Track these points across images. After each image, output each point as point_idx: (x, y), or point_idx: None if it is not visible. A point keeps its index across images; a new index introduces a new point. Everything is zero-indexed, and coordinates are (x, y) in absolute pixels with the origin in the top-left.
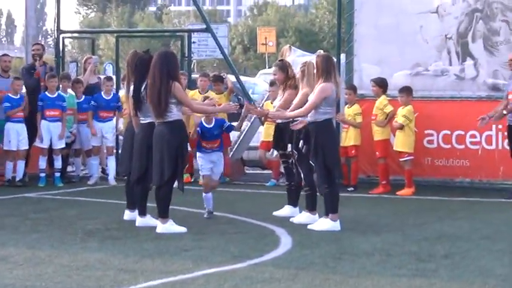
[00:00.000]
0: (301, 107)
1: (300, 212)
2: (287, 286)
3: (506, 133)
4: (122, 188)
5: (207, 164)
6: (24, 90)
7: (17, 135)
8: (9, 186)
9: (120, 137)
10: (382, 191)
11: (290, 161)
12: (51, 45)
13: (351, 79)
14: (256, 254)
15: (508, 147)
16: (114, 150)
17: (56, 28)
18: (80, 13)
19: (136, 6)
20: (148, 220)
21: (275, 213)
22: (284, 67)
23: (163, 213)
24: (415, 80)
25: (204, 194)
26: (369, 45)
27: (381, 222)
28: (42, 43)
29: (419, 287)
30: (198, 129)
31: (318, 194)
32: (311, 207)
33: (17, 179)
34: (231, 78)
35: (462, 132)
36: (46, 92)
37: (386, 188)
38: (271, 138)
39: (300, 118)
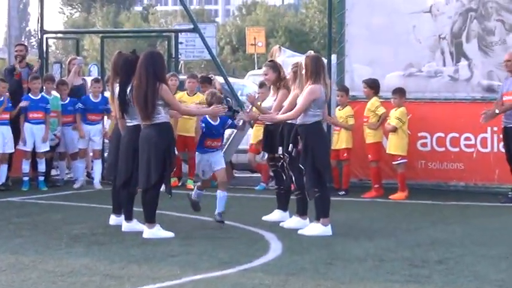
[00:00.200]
0: (292, 110)
1: (290, 216)
2: None
3: (501, 136)
4: (107, 192)
5: (205, 166)
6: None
7: (2, 137)
8: None
9: (106, 140)
10: (375, 195)
11: (279, 164)
12: (35, 46)
13: (342, 80)
14: (245, 259)
15: (503, 150)
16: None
17: (39, 28)
18: (64, 13)
19: (121, 6)
20: (135, 225)
21: (265, 217)
22: (276, 67)
23: (150, 218)
24: (408, 81)
25: (218, 192)
26: (360, 46)
27: (373, 226)
28: (25, 44)
29: None
30: (203, 125)
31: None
32: (302, 212)
33: (0, 183)
34: (219, 79)
35: (456, 135)
36: (29, 94)
37: (379, 191)
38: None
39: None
